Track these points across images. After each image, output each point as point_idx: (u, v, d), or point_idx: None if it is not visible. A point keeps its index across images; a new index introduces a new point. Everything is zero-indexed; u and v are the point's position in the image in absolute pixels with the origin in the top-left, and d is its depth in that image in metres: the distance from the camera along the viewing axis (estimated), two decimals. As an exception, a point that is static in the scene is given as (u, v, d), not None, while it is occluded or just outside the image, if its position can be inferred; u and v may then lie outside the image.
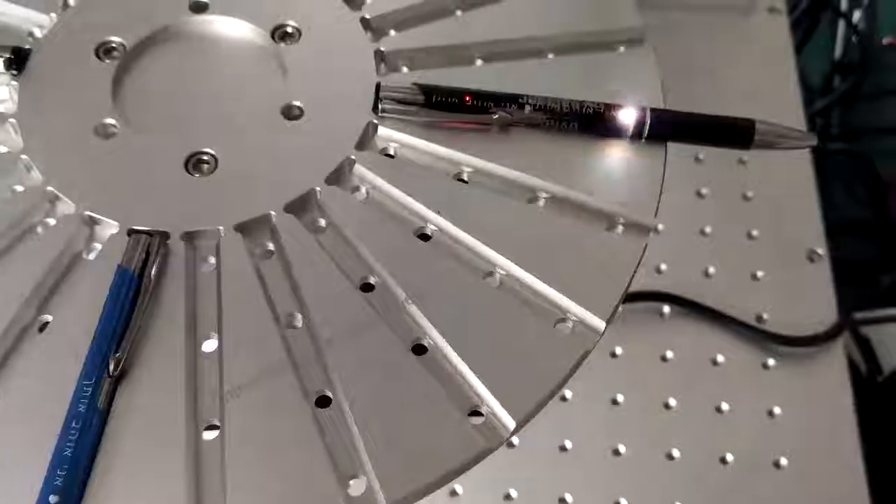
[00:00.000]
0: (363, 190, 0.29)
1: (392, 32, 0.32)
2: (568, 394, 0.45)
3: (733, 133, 0.30)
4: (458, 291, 0.26)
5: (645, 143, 0.29)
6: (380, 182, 0.28)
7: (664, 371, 0.46)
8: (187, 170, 0.28)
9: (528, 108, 0.29)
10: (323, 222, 0.28)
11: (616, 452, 0.44)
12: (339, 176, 0.28)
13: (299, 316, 0.26)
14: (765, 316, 0.47)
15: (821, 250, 0.49)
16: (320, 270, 0.26)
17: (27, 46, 0.31)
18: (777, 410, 0.45)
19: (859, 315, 0.63)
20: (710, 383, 0.46)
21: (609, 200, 0.28)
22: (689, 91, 0.57)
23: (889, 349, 0.62)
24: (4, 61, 0.30)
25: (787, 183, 0.52)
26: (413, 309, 0.25)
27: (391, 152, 0.29)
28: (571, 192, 0.28)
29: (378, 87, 0.30)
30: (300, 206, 0.28)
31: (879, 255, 0.68)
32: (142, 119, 0.30)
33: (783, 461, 0.43)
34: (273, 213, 0.27)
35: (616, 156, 0.29)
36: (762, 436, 0.44)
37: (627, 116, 0.29)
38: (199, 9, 0.32)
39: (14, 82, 0.30)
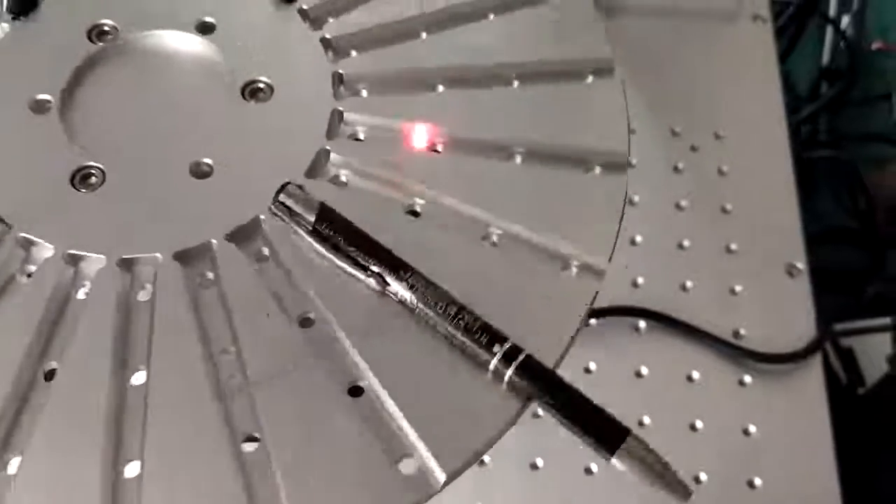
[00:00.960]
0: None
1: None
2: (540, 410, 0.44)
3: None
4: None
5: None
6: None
7: (638, 387, 0.45)
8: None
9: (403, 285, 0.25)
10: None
11: (588, 471, 0.43)
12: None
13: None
14: (742, 331, 0.47)
15: (800, 264, 0.48)
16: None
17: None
18: (752, 429, 0.44)
19: (842, 326, 0.63)
20: (685, 400, 0.45)
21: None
22: (669, 100, 0.57)
23: (872, 361, 0.62)
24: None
25: (767, 195, 0.51)
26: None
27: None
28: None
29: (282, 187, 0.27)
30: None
31: (864, 265, 0.68)
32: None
33: (757, 481, 0.43)
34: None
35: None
36: (737, 454, 0.43)
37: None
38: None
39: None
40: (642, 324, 0.47)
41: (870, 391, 0.58)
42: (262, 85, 0.30)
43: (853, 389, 0.59)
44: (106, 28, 0.31)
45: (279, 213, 0.27)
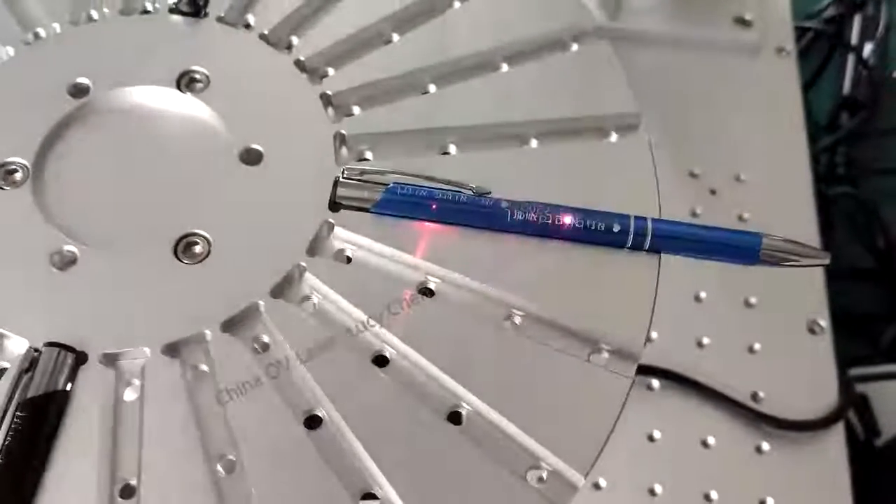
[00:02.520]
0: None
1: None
2: (546, 476, 0.42)
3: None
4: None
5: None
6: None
7: (651, 452, 0.43)
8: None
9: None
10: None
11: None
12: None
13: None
14: (760, 394, 0.44)
15: (823, 322, 0.46)
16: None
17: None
18: (770, 501, 0.42)
19: (857, 371, 0.60)
20: (700, 468, 0.43)
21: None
22: (692, 135, 0.54)
23: (890, 410, 0.59)
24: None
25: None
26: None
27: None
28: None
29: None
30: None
31: (882, 307, 0.65)
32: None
33: (775, 559, 0.40)
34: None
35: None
36: (753, 530, 0.41)
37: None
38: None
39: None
40: (655, 383, 0.44)
41: (886, 445, 0.56)
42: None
43: (870, 442, 0.56)
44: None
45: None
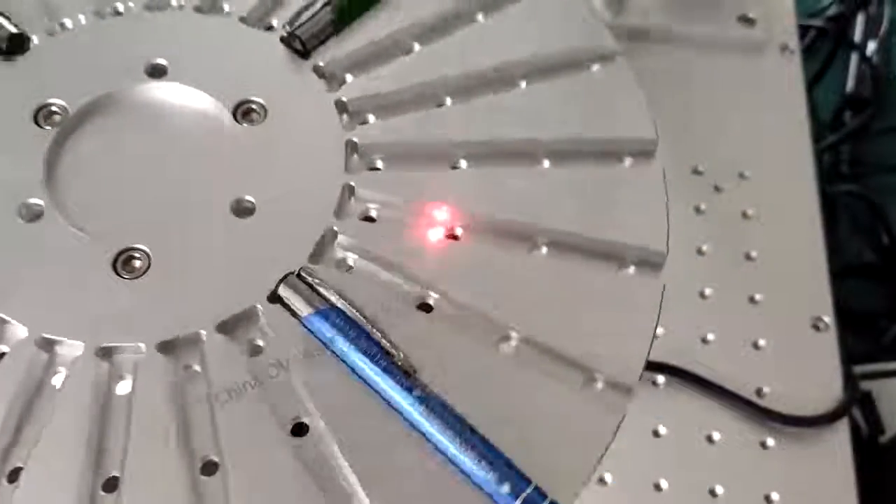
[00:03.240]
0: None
1: (370, 119, 0.28)
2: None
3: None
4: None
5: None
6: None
7: (656, 448, 0.43)
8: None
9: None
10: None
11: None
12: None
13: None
14: (765, 390, 0.44)
15: (827, 318, 0.46)
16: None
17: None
18: (775, 496, 0.42)
19: (860, 368, 0.60)
20: (706, 463, 0.43)
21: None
22: (695, 133, 0.54)
23: (894, 407, 0.59)
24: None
25: (793, 242, 0.49)
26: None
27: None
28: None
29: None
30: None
31: (886, 304, 0.65)
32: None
33: (780, 553, 0.40)
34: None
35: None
36: (758, 524, 0.41)
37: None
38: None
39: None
40: (661, 379, 0.45)
41: (893, 441, 0.56)
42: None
43: (874, 439, 0.56)
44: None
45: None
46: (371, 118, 0.28)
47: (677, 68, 0.55)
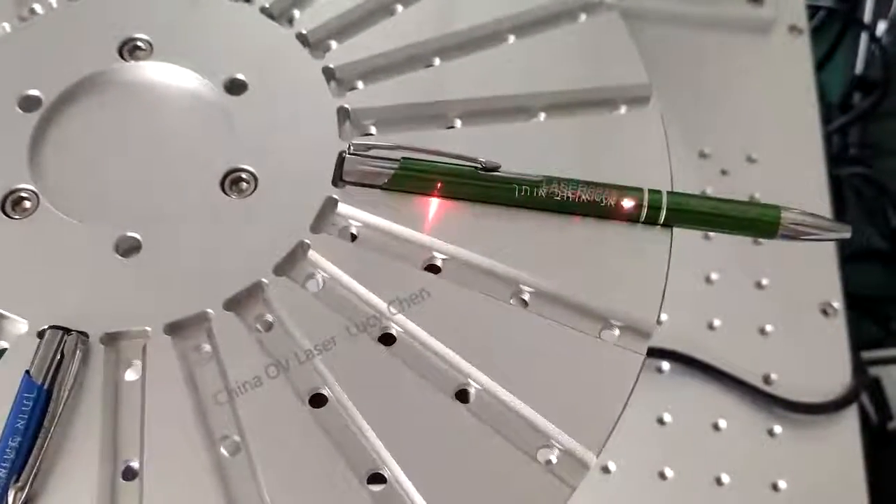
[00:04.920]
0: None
1: (359, 84, 0.28)
2: (555, 459, 0.41)
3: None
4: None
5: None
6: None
7: (661, 435, 0.42)
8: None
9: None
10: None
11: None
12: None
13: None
14: (773, 376, 0.44)
15: (836, 303, 0.45)
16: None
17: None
18: (782, 484, 0.41)
19: (868, 354, 0.60)
20: (711, 451, 0.42)
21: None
22: (702, 115, 0.53)
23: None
24: None
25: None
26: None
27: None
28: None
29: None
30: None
31: (894, 289, 0.65)
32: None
33: (788, 542, 0.40)
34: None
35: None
36: (764, 512, 0.40)
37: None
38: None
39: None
40: (666, 365, 0.44)
41: (899, 429, 0.55)
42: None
43: (883, 426, 0.56)
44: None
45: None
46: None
47: (684, 48, 0.54)
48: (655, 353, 0.44)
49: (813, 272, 0.46)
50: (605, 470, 0.41)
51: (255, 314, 0.24)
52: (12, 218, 0.25)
